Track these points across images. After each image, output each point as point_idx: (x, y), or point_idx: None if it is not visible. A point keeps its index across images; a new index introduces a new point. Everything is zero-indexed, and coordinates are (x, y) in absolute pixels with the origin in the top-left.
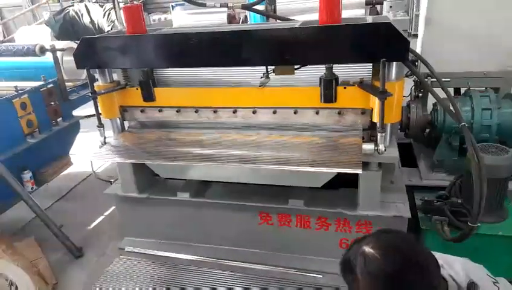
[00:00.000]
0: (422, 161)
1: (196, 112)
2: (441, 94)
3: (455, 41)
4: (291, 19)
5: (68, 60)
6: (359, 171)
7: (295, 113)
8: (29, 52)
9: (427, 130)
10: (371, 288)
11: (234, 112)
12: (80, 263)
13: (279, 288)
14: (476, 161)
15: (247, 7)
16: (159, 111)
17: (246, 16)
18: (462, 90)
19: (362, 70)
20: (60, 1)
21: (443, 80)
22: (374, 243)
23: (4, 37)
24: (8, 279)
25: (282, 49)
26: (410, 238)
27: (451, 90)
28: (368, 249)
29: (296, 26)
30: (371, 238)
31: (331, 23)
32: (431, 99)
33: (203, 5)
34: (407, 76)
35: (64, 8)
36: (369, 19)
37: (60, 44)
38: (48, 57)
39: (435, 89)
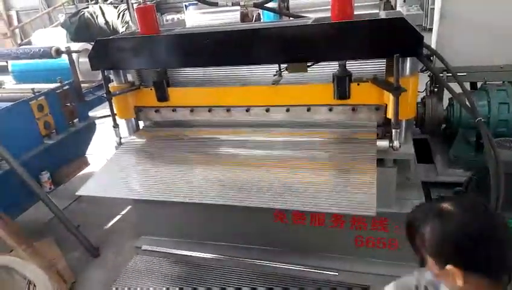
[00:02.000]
0: (438, 156)
1: (209, 111)
2: (457, 89)
3: (471, 35)
4: (303, 16)
5: (84, 62)
6: (372, 213)
7: (308, 110)
8: (45, 54)
9: (443, 126)
10: (445, 247)
11: (247, 110)
12: (97, 262)
13: (299, 288)
14: (492, 156)
15: (259, 5)
16: (173, 111)
17: (258, 14)
18: (479, 85)
19: (376, 66)
20: (75, 3)
21: (459, 74)
22: (452, 203)
23: (21, 40)
24: (27, 278)
25: (295, 46)
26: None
27: (467, 85)
28: (446, 206)
29: (309, 23)
30: (444, 200)
31: (344, 19)
32: (447, 94)
33: (215, 4)
34: (422, 71)
35: (79, 10)
36: (382, 14)
37: (76, 46)
38: (64, 59)
39: (450, 83)
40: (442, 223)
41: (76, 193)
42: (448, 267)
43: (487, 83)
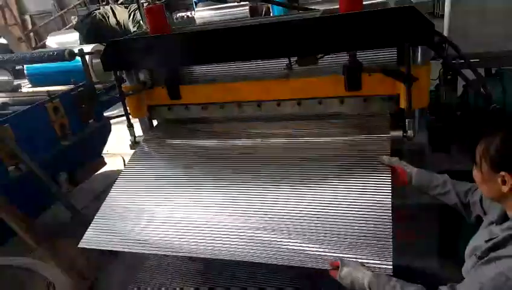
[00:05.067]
0: (454, 145)
1: (221, 107)
2: (471, 76)
3: (483, 20)
4: (312, 9)
5: (97, 63)
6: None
7: (320, 103)
8: (59, 57)
9: (458, 114)
10: (506, 155)
11: (258, 105)
12: (116, 260)
13: None
14: None
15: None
16: (186, 108)
17: (268, 8)
18: (494, 71)
19: (387, 54)
20: (87, 5)
21: (472, 60)
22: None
23: (36, 43)
24: (46, 279)
25: (304, 39)
26: None
27: (481, 71)
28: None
29: (318, 15)
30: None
31: (352, 10)
32: (461, 82)
33: (224, 1)
34: (434, 59)
35: (91, 12)
36: (391, 3)
37: (88, 47)
38: (78, 61)
39: (464, 70)
40: (510, 136)
41: (78, 246)
42: (503, 173)
43: (502, 68)
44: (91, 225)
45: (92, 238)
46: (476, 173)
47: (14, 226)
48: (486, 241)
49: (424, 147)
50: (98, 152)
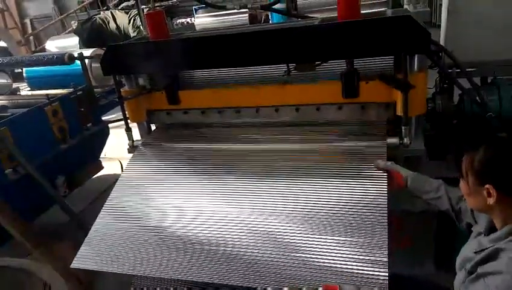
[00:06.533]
0: (450, 153)
1: (219, 112)
2: (467, 84)
3: (479, 30)
4: (311, 17)
5: (96, 67)
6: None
7: (318, 109)
8: (58, 60)
9: (454, 121)
10: (491, 168)
11: (257, 111)
12: None
13: None
14: None
15: (266, 7)
16: (184, 113)
17: (267, 15)
18: (490, 80)
19: (384, 62)
20: (87, 10)
21: (468, 69)
22: (508, 136)
23: (35, 47)
24: (43, 280)
25: (302, 47)
26: None
27: (477, 80)
28: (502, 137)
29: (316, 23)
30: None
31: (350, 18)
32: (457, 90)
33: (223, 8)
34: (431, 67)
35: (92, 17)
36: (389, 13)
37: (88, 51)
38: (78, 65)
39: (461, 79)
40: (495, 148)
41: (71, 266)
42: (487, 186)
43: (497, 77)
44: (85, 241)
45: (87, 256)
46: (462, 185)
47: (10, 229)
48: (475, 253)
49: (421, 154)
50: (96, 156)
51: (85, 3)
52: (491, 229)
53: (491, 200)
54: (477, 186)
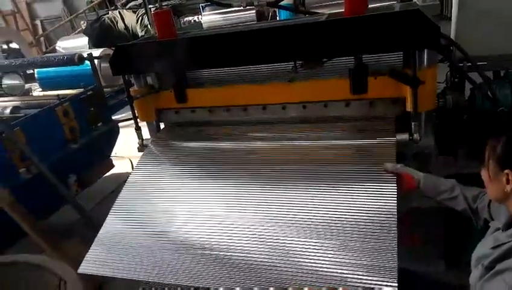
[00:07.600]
0: (461, 149)
1: (227, 110)
2: (478, 78)
3: (491, 23)
4: (317, 13)
5: (106, 67)
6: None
7: (325, 106)
8: (69, 61)
9: (465, 116)
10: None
11: (264, 108)
12: None
13: None
14: None
15: (273, 4)
16: (192, 112)
17: (274, 12)
18: (502, 73)
19: (393, 57)
20: (96, 10)
21: (479, 63)
22: None
23: (46, 48)
24: (58, 276)
25: (310, 43)
26: None
27: (490, 74)
28: None
29: (323, 19)
30: None
31: (357, 14)
32: (468, 84)
33: (229, 6)
34: (442, 62)
35: (100, 17)
36: (397, 7)
37: (97, 52)
38: (87, 65)
39: (472, 73)
40: None
41: (78, 271)
42: (507, 171)
43: (510, 71)
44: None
45: (94, 261)
46: (483, 173)
47: (25, 227)
48: (492, 248)
49: (431, 150)
50: (107, 155)
51: (94, 3)
52: (510, 224)
53: (509, 187)
54: (497, 173)
